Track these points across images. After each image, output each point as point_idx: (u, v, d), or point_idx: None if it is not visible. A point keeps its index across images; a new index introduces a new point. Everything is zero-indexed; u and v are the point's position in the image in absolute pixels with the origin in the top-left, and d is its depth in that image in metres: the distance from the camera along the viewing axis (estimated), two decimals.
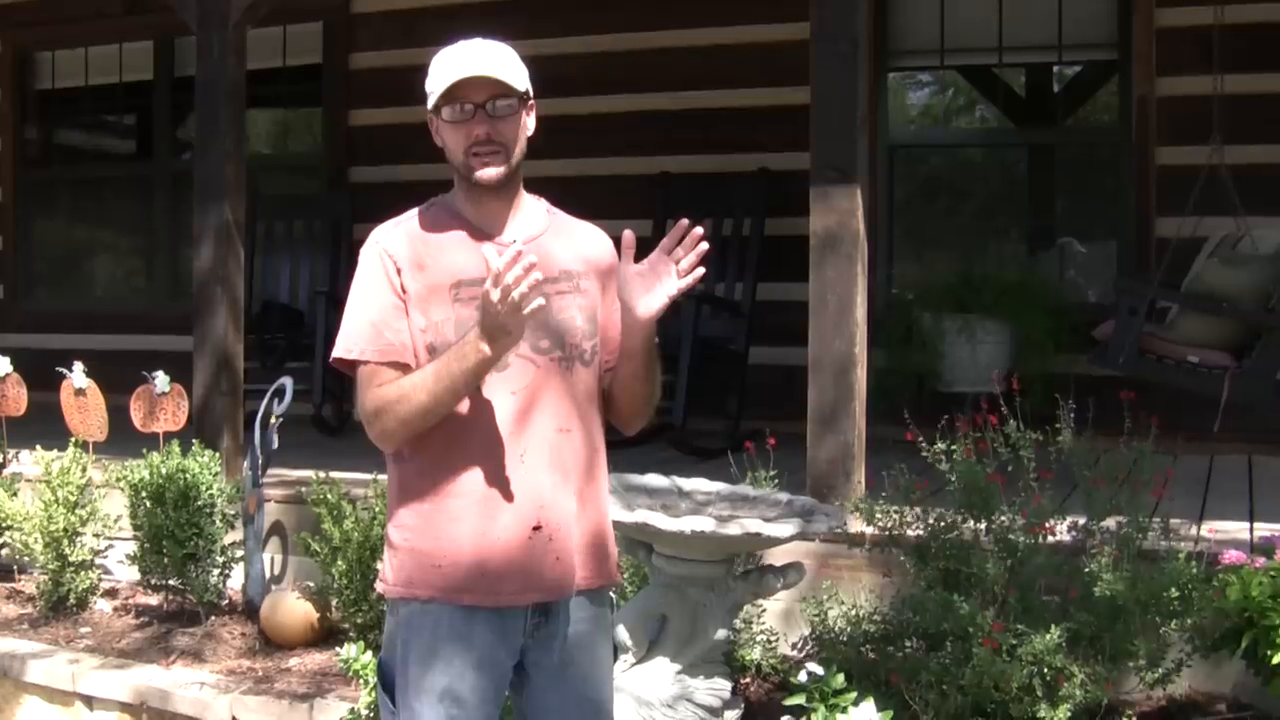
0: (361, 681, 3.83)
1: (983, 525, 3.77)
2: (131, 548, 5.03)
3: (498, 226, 2.45)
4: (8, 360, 5.78)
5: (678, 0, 7.26)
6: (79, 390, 5.49)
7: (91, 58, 9.03)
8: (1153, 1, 6.49)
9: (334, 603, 4.63)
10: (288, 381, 5.06)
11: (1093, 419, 3.81)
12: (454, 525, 2.37)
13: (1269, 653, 3.45)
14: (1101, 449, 3.85)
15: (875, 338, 5.34)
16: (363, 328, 2.40)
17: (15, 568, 5.51)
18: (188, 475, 4.84)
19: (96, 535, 5.17)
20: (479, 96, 2.37)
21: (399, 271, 2.40)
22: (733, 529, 3.47)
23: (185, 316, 5.77)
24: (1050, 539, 3.73)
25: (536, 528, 2.38)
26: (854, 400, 4.45)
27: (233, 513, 5.01)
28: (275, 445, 5.00)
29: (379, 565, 2.55)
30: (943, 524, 3.79)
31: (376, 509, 4.37)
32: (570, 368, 2.44)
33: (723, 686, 3.68)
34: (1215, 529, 4.40)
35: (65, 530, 5.04)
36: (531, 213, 2.51)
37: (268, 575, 5.09)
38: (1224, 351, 5.58)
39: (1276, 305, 5.54)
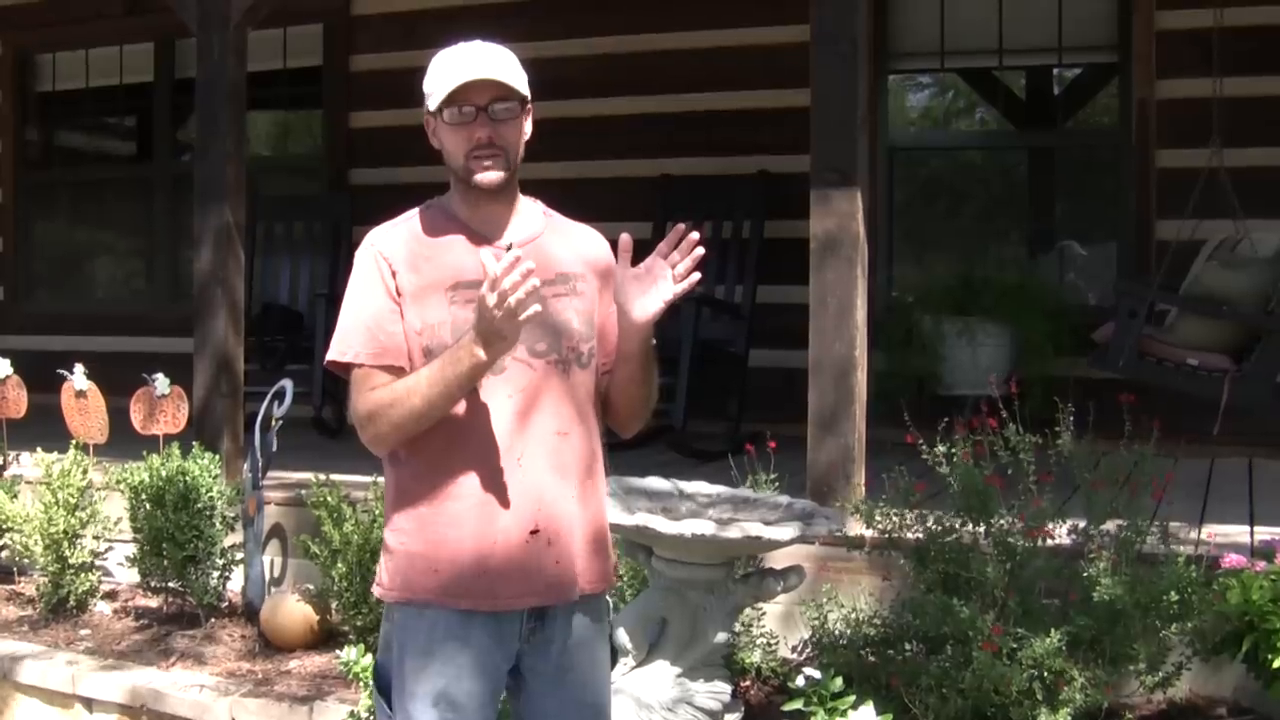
0: (361, 684, 3.83)
1: (982, 528, 3.76)
2: (131, 550, 5.03)
3: (495, 229, 2.44)
4: (8, 362, 5.78)
5: (679, 3, 7.26)
6: (79, 392, 5.49)
7: (92, 59, 9.04)
8: (1153, 4, 6.49)
9: (334, 605, 4.63)
10: (288, 384, 5.06)
11: (1093, 422, 3.81)
12: (451, 529, 2.36)
13: (1269, 656, 3.45)
14: (1101, 452, 3.85)
15: (875, 340, 5.34)
16: (357, 330, 2.39)
17: (15, 570, 5.51)
18: (188, 477, 4.84)
19: (96, 537, 5.17)
20: (480, 99, 2.36)
21: (394, 274, 2.39)
22: (733, 532, 3.47)
23: (185, 318, 5.77)
24: (1050, 542, 3.73)
25: (535, 531, 2.37)
26: (854, 403, 4.45)
27: (232, 515, 5.01)
28: (275, 447, 5.00)
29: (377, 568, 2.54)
30: (941, 527, 3.79)
31: (376, 512, 4.37)
32: (567, 370, 2.43)
33: (723, 689, 3.68)
34: (1215, 532, 4.39)
35: (65, 532, 5.05)
36: (528, 215, 2.50)
37: (267, 577, 5.09)
38: (1224, 354, 5.58)
39: (1276, 308, 5.54)
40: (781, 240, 6.62)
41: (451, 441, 2.36)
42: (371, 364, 2.38)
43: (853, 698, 3.51)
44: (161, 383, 5.39)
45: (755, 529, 3.49)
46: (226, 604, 5.07)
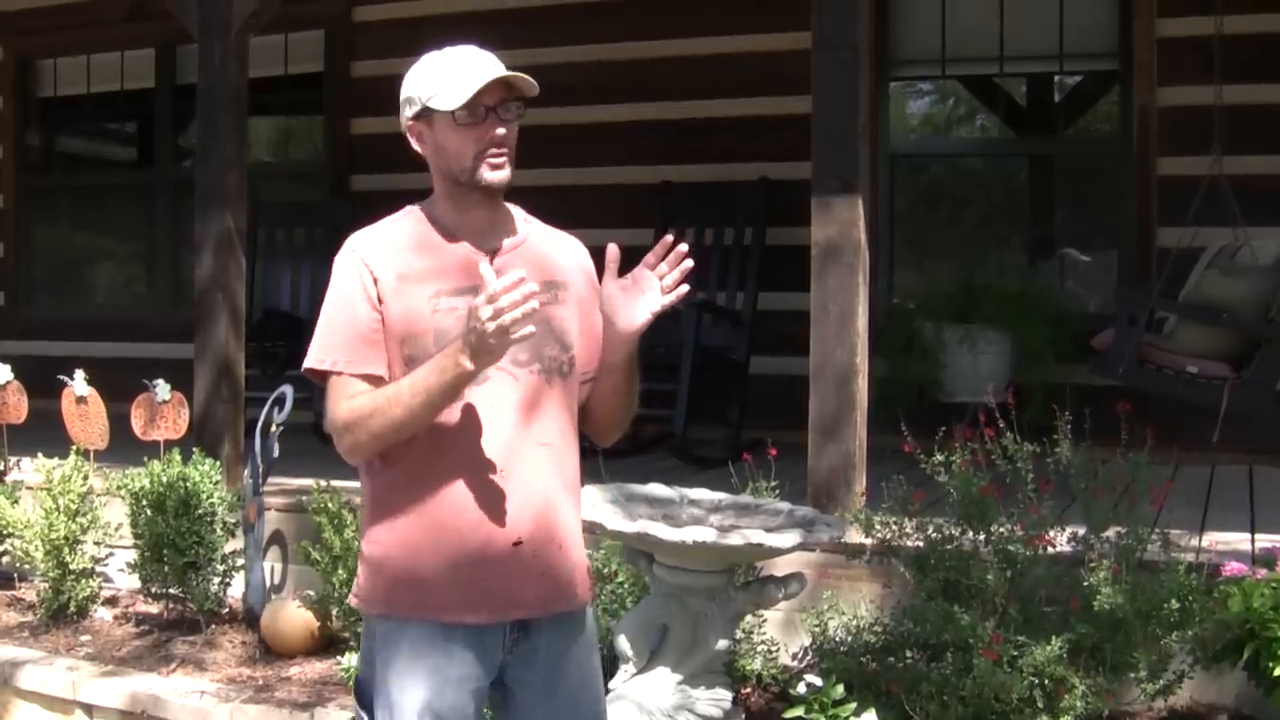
0: None
1: (982, 536, 3.76)
2: (132, 556, 5.02)
3: (479, 235, 2.40)
4: (8, 368, 5.78)
5: (679, 10, 7.27)
6: (80, 398, 5.49)
7: (93, 65, 9.04)
8: (1154, 11, 6.50)
9: (334, 611, 4.63)
10: (288, 389, 5.06)
11: (1092, 429, 3.81)
12: (432, 541, 2.32)
13: (1271, 664, 3.45)
14: (1101, 459, 3.85)
15: (876, 347, 5.34)
16: (335, 337, 2.34)
17: (16, 575, 5.50)
18: (188, 483, 4.84)
19: (97, 543, 5.16)
20: (491, 99, 2.34)
21: (376, 280, 2.33)
22: (734, 539, 3.47)
23: (186, 324, 5.76)
24: (1050, 550, 3.73)
25: (518, 542, 2.33)
26: (855, 410, 4.44)
27: (233, 521, 5.01)
28: (276, 453, 4.99)
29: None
30: (941, 535, 3.79)
31: None
32: (550, 381, 2.39)
33: (724, 696, 3.68)
34: (1216, 540, 4.39)
35: (66, 538, 5.04)
36: (510, 222, 2.47)
37: (268, 584, 5.09)
38: (1223, 362, 5.58)
39: (1276, 316, 5.54)
40: (782, 247, 6.62)
41: (432, 451, 2.31)
42: (350, 372, 2.33)
43: (854, 705, 3.51)
44: (162, 388, 5.39)
45: (757, 536, 3.49)
46: (227, 610, 5.06)
